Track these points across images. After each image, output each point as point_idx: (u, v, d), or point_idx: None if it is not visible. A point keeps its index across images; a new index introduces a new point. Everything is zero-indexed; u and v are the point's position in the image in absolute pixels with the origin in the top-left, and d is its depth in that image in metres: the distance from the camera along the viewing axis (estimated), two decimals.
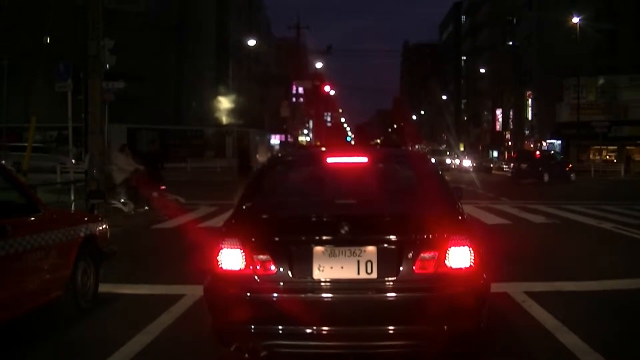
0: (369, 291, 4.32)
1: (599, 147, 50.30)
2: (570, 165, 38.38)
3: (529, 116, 65.33)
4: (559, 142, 56.78)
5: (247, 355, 4.39)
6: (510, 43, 65.55)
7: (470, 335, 4.43)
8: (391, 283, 4.30)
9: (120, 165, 16.37)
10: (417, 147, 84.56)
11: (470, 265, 4.38)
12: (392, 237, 4.38)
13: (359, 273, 4.32)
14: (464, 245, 4.38)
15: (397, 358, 4.48)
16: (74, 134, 18.03)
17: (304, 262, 4.34)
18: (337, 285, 4.34)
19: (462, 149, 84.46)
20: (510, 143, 68.22)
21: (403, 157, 6.45)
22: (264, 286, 4.34)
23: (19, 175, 11.35)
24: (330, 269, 4.34)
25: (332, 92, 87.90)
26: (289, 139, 58.67)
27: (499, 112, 73.54)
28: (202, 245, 6.82)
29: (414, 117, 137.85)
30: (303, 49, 70.40)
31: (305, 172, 5.75)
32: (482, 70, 77.55)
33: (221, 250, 4.46)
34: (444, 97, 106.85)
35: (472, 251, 4.40)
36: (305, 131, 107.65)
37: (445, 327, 4.27)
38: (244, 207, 5.04)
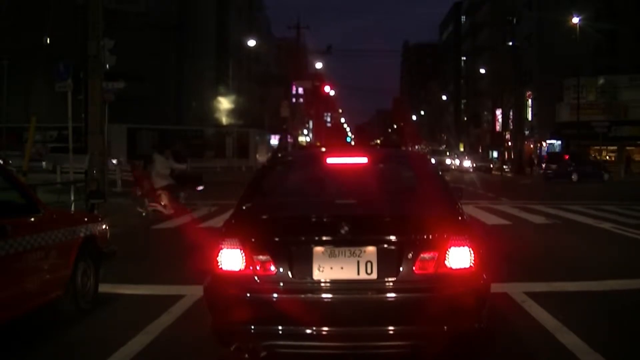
0: (368, 291, 4.32)
1: (599, 147, 50.28)
2: (605, 165, 39.45)
3: (529, 116, 65.31)
4: (559, 142, 56.78)
5: (247, 355, 4.39)
6: (510, 43, 65.44)
7: (470, 336, 4.43)
8: (391, 283, 4.30)
9: (157, 169, 15.95)
10: (417, 147, 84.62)
11: (470, 266, 4.38)
12: (392, 238, 4.37)
13: (358, 273, 4.32)
14: (463, 246, 4.38)
15: (397, 358, 4.48)
16: (74, 134, 18.05)
17: (304, 263, 4.34)
18: (337, 285, 4.34)
19: (462, 149, 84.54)
20: (510, 143, 68.17)
21: (403, 157, 6.46)
22: (263, 286, 4.34)
23: (19, 176, 11.36)
24: (330, 269, 4.34)
25: (332, 92, 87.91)
26: (289, 139, 58.63)
27: (498, 112, 73.47)
28: (202, 246, 6.81)
29: (414, 117, 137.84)
30: (303, 49, 70.41)
31: (305, 173, 5.75)
32: (482, 71, 77.49)
33: (221, 251, 4.46)
34: (444, 97, 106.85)
35: (472, 251, 4.40)
36: (305, 131, 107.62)
37: (445, 327, 4.27)
38: (243, 207, 5.05)
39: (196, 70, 58.80)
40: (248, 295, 4.32)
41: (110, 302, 6.95)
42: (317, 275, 4.34)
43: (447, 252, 4.34)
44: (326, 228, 4.44)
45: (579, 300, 7.11)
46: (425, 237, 4.37)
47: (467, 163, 62.21)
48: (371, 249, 4.34)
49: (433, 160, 6.62)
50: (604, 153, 52.45)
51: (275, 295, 4.30)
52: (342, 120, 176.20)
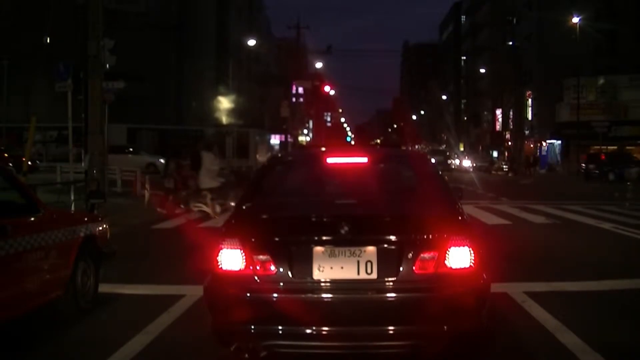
0: (368, 291, 4.32)
1: (599, 147, 50.26)
2: None
3: (529, 116, 65.31)
4: (559, 142, 56.78)
5: (247, 355, 4.39)
6: (510, 43, 65.53)
7: (470, 336, 4.43)
8: (391, 283, 4.30)
9: (207, 166, 15.56)
10: (417, 147, 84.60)
11: (470, 266, 4.38)
12: (392, 238, 4.37)
13: (358, 273, 4.32)
14: (463, 246, 4.38)
15: (397, 358, 4.49)
16: (74, 134, 18.04)
17: (304, 263, 4.34)
18: (337, 285, 4.34)
19: (462, 149, 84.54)
20: (510, 143, 68.21)
21: (403, 157, 6.45)
22: (263, 286, 4.33)
23: (19, 176, 11.36)
24: (330, 269, 4.34)
25: (332, 92, 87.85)
26: (289, 139, 58.63)
27: (498, 112, 73.54)
28: (202, 246, 6.82)
29: (414, 117, 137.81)
30: (303, 49, 70.36)
31: (305, 172, 5.75)
32: (482, 71, 77.54)
33: (221, 251, 4.46)
34: (444, 97, 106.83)
35: (472, 251, 4.40)
36: (305, 131, 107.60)
37: (445, 327, 4.27)
38: (243, 207, 5.05)
39: (196, 70, 58.77)
40: (248, 295, 4.32)
41: (110, 302, 6.94)
42: (317, 275, 4.34)
43: (447, 252, 4.34)
44: (326, 228, 4.43)
45: (579, 300, 7.11)
46: (425, 237, 4.37)
47: (467, 163, 62.23)
48: (371, 248, 4.34)
49: (433, 160, 6.62)
50: None
51: (275, 295, 4.30)
52: (342, 120, 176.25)
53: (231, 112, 61.76)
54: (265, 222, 4.76)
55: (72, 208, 14.02)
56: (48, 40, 45.31)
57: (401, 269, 4.30)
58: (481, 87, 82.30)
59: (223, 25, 64.05)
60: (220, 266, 4.45)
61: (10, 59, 43.00)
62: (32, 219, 5.75)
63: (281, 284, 4.33)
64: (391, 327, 4.27)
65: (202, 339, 5.21)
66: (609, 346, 5.31)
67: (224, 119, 61.43)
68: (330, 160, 5.67)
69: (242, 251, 4.39)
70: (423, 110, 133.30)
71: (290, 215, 4.82)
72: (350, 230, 4.34)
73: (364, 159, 5.68)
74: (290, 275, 4.34)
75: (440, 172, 5.82)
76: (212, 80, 61.72)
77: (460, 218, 4.77)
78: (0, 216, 5.26)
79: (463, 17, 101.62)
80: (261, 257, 4.37)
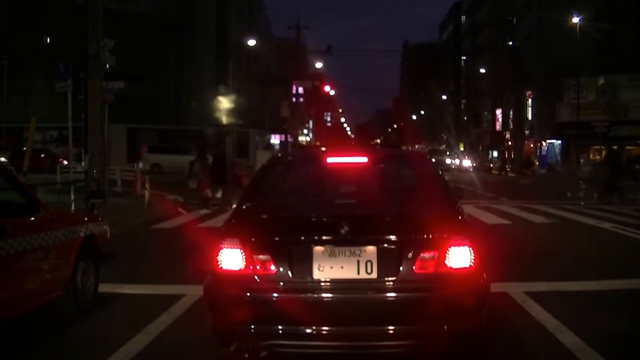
0: (368, 291, 4.32)
1: (599, 147, 50.25)
2: None
3: (529, 116, 65.29)
4: (559, 142, 56.75)
5: (247, 355, 4.39)
6: (510, 43, 65.50)
7: (470, 336, 4.43)
8: (391, 283, 4.30)
9: None
10: (417, 147, 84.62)
11: (470, 265, 4.38)
12: (392, 237, 4.37)
13: (358, 273, 4.32)
14: (463, 245, 4.38)
15: (397, 358, 4.49)
16: (74, 134, 18.04)
17: (304, 262, 4.34)
18: (337, 285, 4.33)
19: (462, 149, 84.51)
20: (510, 143, 68.20)
21: (403, 157, 6.46)
22: (263, 286, 4.33)
23: (19, 176, 11.35)
24: (330, 269, 4.33)
25: (332, 92, 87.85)
26: (289, 139, 58.63)
27: (498, 112, 73.50)
28: (202, 245, 6.82)
29: (414, 117, 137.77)
30: (303, 49, 70.35)
31: (305, 172, 5.75)
32: (482, 71, 77.49)
33: (221, 250, 4.46)
34: (444, 97, 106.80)
35: (472, 251, 4.40)
36: (305, 131, 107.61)
37: (445, 327, 4.27)
38: (244, 207, 5.05)
39: (196, 70, 58.77)
40: (248, 295, 4.32)
41: (110, 302, 6.94)
42: (317, 274, 4.34)
43: (447, 251, 4.34)
44: (326, 228, 4.43)
45: (579, 300, 7.11)
46: (425, 236, 4.37)
47: (467, 163, 62.22)
48: (371, 248, 4.33)
49: (433, 160, 6.62)
50: (604, 153, 52.42)
51: (275, 294, 4.30)
52: (342, 120, 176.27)
53: (231, 112, 61.74)
54: (265, 222, 4.76)
55: (72, 208, 14.01)
56: (48, 40, 45.32)
57: (401, 268, 4.30)
58: (481, 87, 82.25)
59: (223, 25, 64.05)
60: (220, 266, 4.45)
61: (10, 59, 42.99)
62: (32, 219, 5.75)
63: (281, 283, 4.33)
64: (391, 327, 4.27)
65: (202, 339, 5.21)
66: (609, 346, 5.31)
67: (224, 119, 61.40)
68: (330, 160, 5.67)
69: (242, 251, 4.39)
70: (423, 110, 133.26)
71: (290, 215, 4.82)
72: (350, 230, 4.34)
73: (364, 159, 5.68)
74: (290, 275, 4.34)
75: (440, 172, 5.82)
76: (212, 80, 61.72)
77: (460, 218, 4.77)
78: (0, 216, 5.26)
79: (463, 17, 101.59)
80: (261, 256, 4.37)
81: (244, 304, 4.33)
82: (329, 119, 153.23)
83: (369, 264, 4.32)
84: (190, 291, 6.96)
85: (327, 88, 73.49)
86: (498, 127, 74.20)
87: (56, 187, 16.88)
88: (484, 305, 4.49)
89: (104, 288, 7.02)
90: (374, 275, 4.31)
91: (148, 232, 13.37)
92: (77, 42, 19.97)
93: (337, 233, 4.34)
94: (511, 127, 68.72)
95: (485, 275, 4.53)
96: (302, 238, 4.44)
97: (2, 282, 5.14)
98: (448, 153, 68.70)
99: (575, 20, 48.32)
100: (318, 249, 4.36)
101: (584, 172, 33.76)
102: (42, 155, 37.68)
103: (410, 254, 4.31)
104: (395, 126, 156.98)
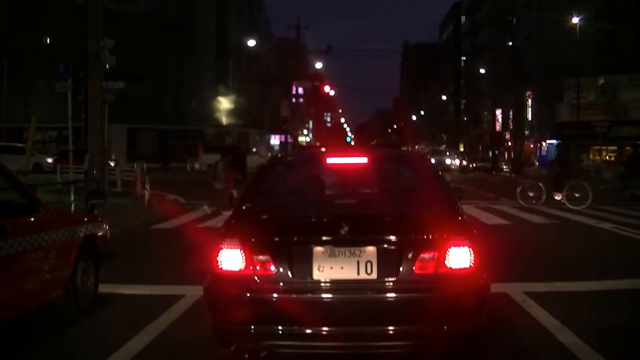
0: (368, 291, 4.32)
1: (598, 147, 50.26)
2: None
3: (529, 116, 65.29)
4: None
5: (247, 355, 4.39)
6: (510, 43, 65.48)
7: (470, 336, 4.43)
8: (391, 283, 4.30)
9: None
10: (417, 147, 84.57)
11: (470, 266, 4.38)
12: (392, 238, 4.37)
13: (358, 273, 4.32)
14: (463, 246, 4.38)
15: (397, 358, 4.49)
16: (74, 134, 18.05)
17: (304, 263, 4.34)
18: (337, 285, 4.33)
19: (462, 149, 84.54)
20: (510, 143, 68.20)
21: (403, 157, 6.46)
22: (263, 286, 4.33)
23: (19, 176, 11.35)
24: (330, 269, 4.33)
25: (332, 92, 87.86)
26: (289, 139, 58.64)
27: (498, 112, 73.49)
28: (202, 246, 6.81)
29: (414, 117, 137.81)
30: (303, 49, 70.37)
31: (305, 173, 5.75)
32: (482, 71, 77.49)
33: (221, 251, 4.46)
34: (444, 97, 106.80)
35: (472, 251, 4.39)
36: (305, 131, 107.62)
37: (445, 327, 4.27)
38: (244, 207, 5.05)
39: (196, 70, 58.81)
40: (248, 295, 4.32)
41: (110, 302, 6.94)
42: (317, 275, 4.33)
43: (447, 252, 4.34)
44: (326, 228, 4.44)
45: (579, 300, 7.11)
46: (425, 237, 4.37)
47: (466, 163, 62.20)
48: (371, 249, 4.33)
49: (433, 160, 6.62)
50: (603, 153, 52.46)
51: (275, 295, 4.30)
52: (342, 120, 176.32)
53: (231, 112, 61.78)
54: (265, 222, 4.76)
55: (72, 208, 14.01)
56: (48, 40, 45.37)
57: (401, 269, 4.30)
58: (481, 87, 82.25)
59: (223, 25, 64.06)
60: (220, 266, 4.45)
61: (10, 59, 43.02)
62: (32, 219, 5.75)
63: (281, 284, 4.33)
64: (391, 327, 4.27)
65: (202, 339, 5.21)
66: (609, 346, 5.31)
67: (224, 119, 61.47)
68: (330, 160, 5.67)
69: (242, 251, 4.39)
70: (423, 110, 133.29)
71: (290, 215, 4.82)
72: (350, 231, 4.34)
73: (364, 159, 5.68)
74: (290, 275, 4.34)
75: (440, 172, 5.82)
76: (212, 80, 61.75)
77: (460, 218, 4.77)
78: (0, 216, 5.26)
79: (463, 17, 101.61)
80: (261, 257, 4.37)
81: (243, 304, 4.33)
82: (328, 119, 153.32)
83: (368, 265, 4.32)
84: (190, 291, 6.96)
85: (327, 88, 73.49)
86: (498, 127, 74.21)
87: (56, 187, 16.87)
88: (484, 306, 4.49)
89: (104, 288, 7.02)
90: (374, 275, 4.31)
91: (148, 232, 13.37)
92: (77, 42, 19.99)
93: (337, 233, 4.35)
94: (511, 127, 68.73)
95: (485, 276, 4.53)
96: (302, 238, 4.44)
97: (2, 282, 5.14)
98: (448, 153, 68.66)
99: (575, 20, 48.29)
100: (318, 249, 4.36)
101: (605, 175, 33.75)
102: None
103: (410, 255, 4.31)
104: (395, 126, 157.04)
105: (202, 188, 26.29)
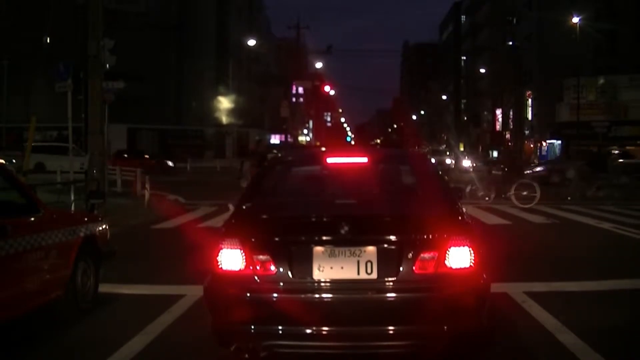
0: (368, 291, 4.32)
1: (598, 147, 50.25)
2: None
3: (529, 116, 65.28)
4: (559, 142, 56.73)
5: (247, 355, 4.39)
6: (510, 43, 65.49)
7: (470, 336, 4.43)
8: (391, 283, 4.30)
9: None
10: (416, 147, 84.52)
11: (470, 266, 4.38)
12: (392, 238, 4.37)
13: (358, 273, 4.32)
14: (463, 246, 4.38)
15: (397, 358, 4.48)
16: (74, 134, 18.05)
17: (304, 262, 4.34)
18: (337, 285, 4.33)
19: (462, 149, 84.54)
20: (510, 143, 68.21)
21: (403, 157, 6.45)
22: (263, 286, 4.33)
23: (19, 176, 11.35)
24: (330, 269, 4.33)
25: (332, 92, 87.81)
26: (289, 139, 58.64)
27: (498, 112, 73.53)
28: (202, 245, 6.82)
29: (414, 117, 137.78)
30: (303, 49, 70.38)
31: (305, 173, 5.75)
32: (482, 70, 77.51)
33: (221, 251, 4.46)
34: (444, 97, 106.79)
35: (472, 251, 4.39)
36: (305, 131, 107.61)
37: (445, 327, 4.26)
38: (244, 207, 5.05)
39: (196, 70, 58.83)
40: (248, 295, 4.32)
41: (110, 302, 6.94)
42: (317, 275, 4.33)
43: (447, 252, 4.34)
44: (326, 228, 4.43)
45: (579, 300, 7.11)
46: (425, 237, 4.37)
47: (466, 163, 62.17)
48: (371, 248, 4.33)
49: (433, 160, 6.62)
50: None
51: (275, 295, 4.30)
52: (342, 120, 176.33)
53: (231, 112, 61.79)
54: (265, 222, 4.76)
55: (72, 208, 14.01)
56: (48, 40, 45.35)
57: (401, 269, 4.30)
58: (481, 87, 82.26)
59: (223, 25, 64.10)
60: (220, 266, 4.45)
61: (10, 59, 43.01)
62: (32, 219, 5.75)
63: (281, 284, 4.33)
64: (391, 327, 4.27)
65: (202, 339, 5.20)
66: (608, 346, 5.31)
67: (224, 119, 61.48)
68: (330, 160, 5.67)
69: (242, 251, 4.39)
70: (423, 110, 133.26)
71: (290, 215, 4.82)
72: (350, 230, 4.34)
73: (364, 159, 5.67)
74: (290, 275, 4.34)
75: (440, 172, 5.82)
76: (212, 80, 61.78)
77: (460, 218, 4.77)
78: (0, 216, 5.26)
79: (463, 17, 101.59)
80: (261, 257, 4.37)
81: (243, 304, 4.33)
82: (329, 119, 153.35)
83: (369, 264, 4.32)
84: (190, 291, 6.96)
85: (327, 88, 73.44)
86: (498, 127, 74.24)
87: (56, 187, 16.87)
88: (484, 305, 4.49)
89: (104, 288, 7.02)
90: (374, 275, 4.31)
91: (148, 232, 13.37)
92: (77, 42, 20.02)
93: (337, 233, 4.34)
94: (511, 127, 68.74)
95: (485, 276, 4.53)
96: (302, 238, 4.44)
97: (2, 282, 5.15)
98: (448, 153, 68.66)
99: (575, 20, 48.30)
100: (318, 249, 4.36)
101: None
102: (147, 157, 40.95)
103: (410, 254, 4.31)
104: (395, 126, 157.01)
105: (202, 187, 26.28)
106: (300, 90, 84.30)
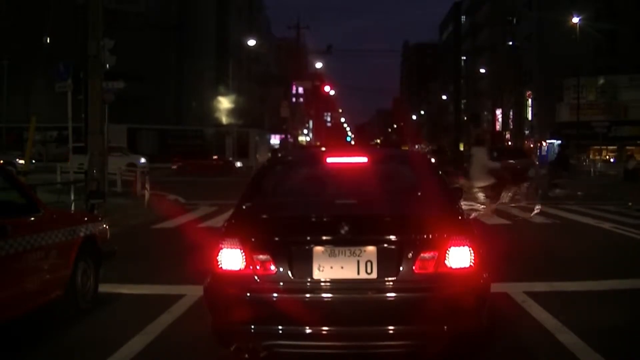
0: (368, 291, 4.32)
1: (598, 147, 50.29)
2: None
3: (529, 116, 65.31)
4: (559, 142, 56.74)
5: (247, 355, 4.39)
6: (510, 43, 65.52)
7: (470, 336, 4.43)
8: (391, 283, 4.30)
9: (481, 162, 14.15)
10: (417, 147, 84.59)
11: (470, 265, 4.38)
12: (392, 237, 4.37)
13: (358, 273, 4.32)
14: (463, 245, 4.38)
15: (397, 358, 4.48)
16: (74, 134, 18.05)
17: (304, 262, 4.34)
18: (337, 285, 4.33)
19: (462, 149, 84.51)
20: (510, 143, 68.22)
21: (403, 157, 6.45)
22: (263, 286, 4.33)
23: (19, 176, 11.35)
24: (330, 269, 4.33)
25: (332, 92, 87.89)
26: (289, 139, 58.64)
27: (498, 112, 73.56)
28: (202, 245, 6.81)
29: (414, 117, 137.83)
30: (303, 49, 70.38)
31: (305, 172, 5.75)
32: (482, 70, 77.53)
33: (221, 250, 4.46)
34: (444, 97, 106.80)
35: (472, 251, 4.39)
36: (305, 131, 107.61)
37: (445, 327, 4.27)
38: (244, 207, 5.05)
39: (196, 70, 58.82)
40: (248, 295, 4.32)
41: (110, 302, 6.94)
42: (317, 274, 4.33)
43: (447, 251, 4.34)
44: (326, 228, 4.44)
45: (579, 300, 7.11)
46: (425, 236, 4.37)
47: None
48: (371, 248, 4.33)
49: (433, 160, 6.62)
50: (604, 153, 52.48)
51: (275, 295, 4.30)
52: (342, 120, 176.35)
53: (231, 112, 61.77)
54: (266, 222, 4.76)
55: (72, 208, 14.01)
56: (48, 40, 45.36)
57: (401, 268, 4.30)
58: (481, 87, 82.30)
59: (223, 25, 64.10)
60: (220, 266, 4.45)
61: (10, 59, 43.03)
62: (32, 219, 5.75)
63: (281, 283, 4.33)
64: (391, 327, 4.27)
65: (202, 339, 5.20)
66: (608, 346, 5.31)
67: (224, 119, 61.46)
68: (330, 160, 5.67)
69: (242, 251, 4.39)
70: (423, 110, 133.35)
71: (290, 215, 4.82)
72: (350, 230, 4.34)
73: (364, 159, 5.67)
74: (290, 275, 4.34)
75: (440, 172, 5.82)
76: (212, 80, 61.77)
77: (460, 218, 4.77)
78: (0, 216, 5.26)
79: (463, 17, 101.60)
80: (261, 257, 4.37)
81: (244, 304, 4.33)
82: (329, 119, 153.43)
83: (369, 264, 4.32)
84: (190, 291, 6.96)
85: (327, 88, 73.55)
86: (498, 127, 74.24)
87: (56, 187, 16.87)
88: (484, 305, 4.49)
89: (104, 288, 7.02)
90: (374, 275, 4.31)
91: (148, 232, 13.37)
92: (77, 42, 20.02)
93: (337, 233, 4.34)
94: (511, 127, 68.75)
95: (485, 275, 4.53)
96: (302, 238, 4.44)
97: (2, 282, 5.15)
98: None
99: (575, 20, 48.32)
100: (318, 249, 4.36)
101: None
102: (215, 157, 42.50)
103: (410, 254, 4.31)
104: (395, 126, 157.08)
105: (202, 187, 26.28)
106: (300, 90, 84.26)
